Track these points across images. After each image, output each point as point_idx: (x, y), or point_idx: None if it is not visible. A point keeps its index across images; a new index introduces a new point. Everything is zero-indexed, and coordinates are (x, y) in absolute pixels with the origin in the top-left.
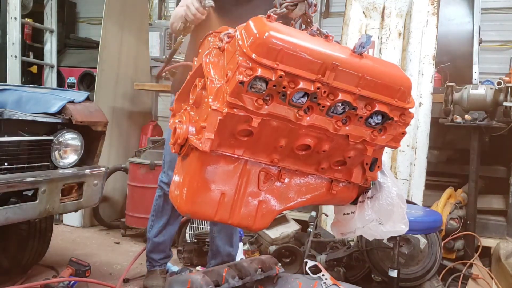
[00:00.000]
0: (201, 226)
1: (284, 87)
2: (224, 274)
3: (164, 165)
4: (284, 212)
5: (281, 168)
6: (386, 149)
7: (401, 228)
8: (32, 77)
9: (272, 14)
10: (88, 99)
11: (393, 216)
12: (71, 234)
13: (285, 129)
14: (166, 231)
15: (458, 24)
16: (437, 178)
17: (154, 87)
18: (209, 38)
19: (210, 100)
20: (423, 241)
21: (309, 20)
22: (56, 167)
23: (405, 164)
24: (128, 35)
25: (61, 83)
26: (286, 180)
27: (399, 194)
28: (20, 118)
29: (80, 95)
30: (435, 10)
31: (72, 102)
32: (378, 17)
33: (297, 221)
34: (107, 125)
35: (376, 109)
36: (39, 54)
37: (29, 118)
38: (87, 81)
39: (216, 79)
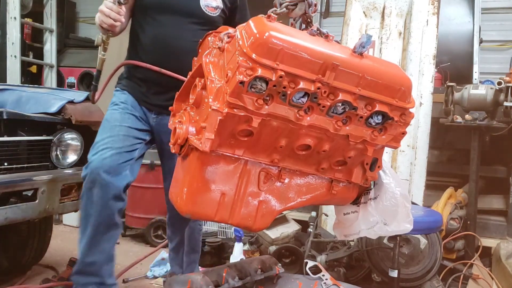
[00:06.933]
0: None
1: (284, 87)
2: (224, 274)
3: None
4: (284, 212)
5: (281, 168)
6: (386, 149)
7: (406, 227)
8: (31, 77)
9: (272, 14)
10: (88, 99)
11: (398, 217)
12: (71, 234)
13: (285, 129)
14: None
15: (459, 24)
16: (438, 178)
17: None
18: (209, 38)
19: (210, 100)
20: (423, 241)
21: (309, 20)
22: (55, 167)
23: (405, 164)
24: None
25: (60, 83)
26: (286, 180)
27: (403, 194)
28: (20, 118)
29: (79, 95)
30: (436, 10)
31: (71, 102)
32: (378, 16)
33: (297, 221)
34: None
35: (376, 109)
36: (39, 54)
37: (29, 118)
38: (86, 81)
39: (216, 79)
